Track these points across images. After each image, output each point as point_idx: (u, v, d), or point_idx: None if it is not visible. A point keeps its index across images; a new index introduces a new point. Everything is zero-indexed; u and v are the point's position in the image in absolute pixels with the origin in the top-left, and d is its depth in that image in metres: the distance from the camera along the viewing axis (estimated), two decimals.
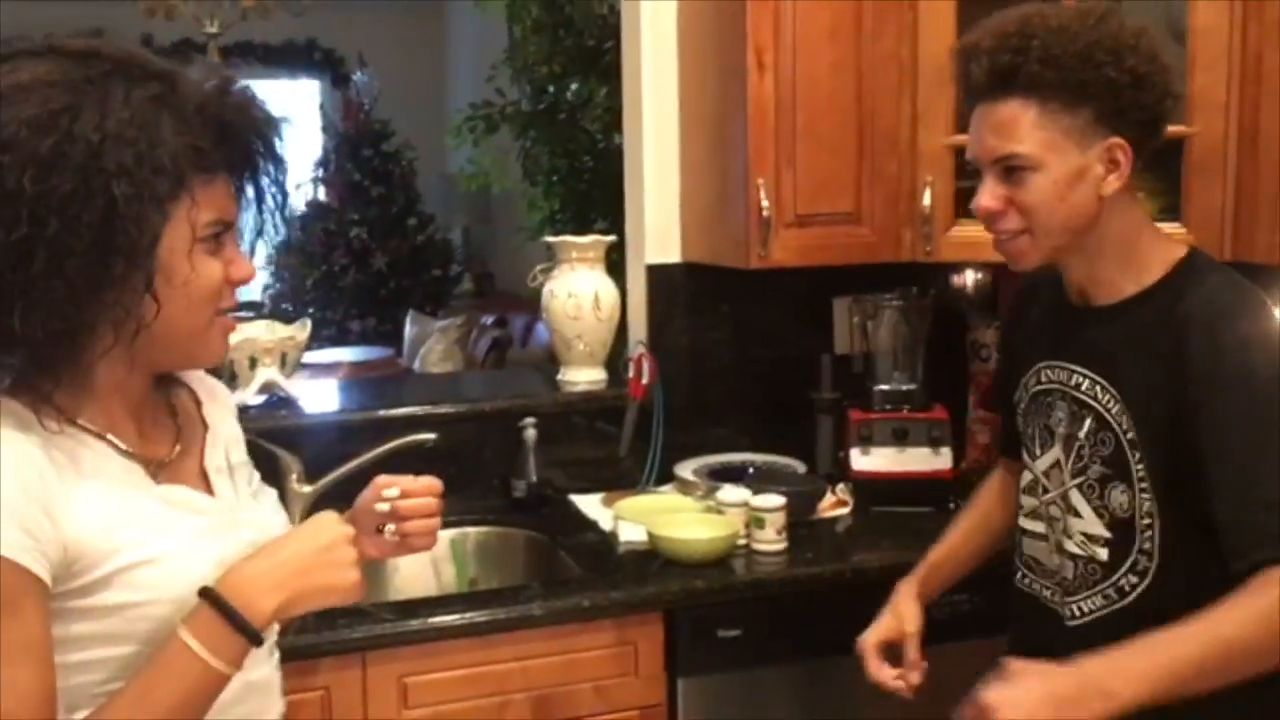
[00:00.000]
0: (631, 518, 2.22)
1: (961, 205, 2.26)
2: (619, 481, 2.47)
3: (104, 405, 1.11)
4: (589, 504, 2.38)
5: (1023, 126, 1.40)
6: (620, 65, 2.72)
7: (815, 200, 2.28)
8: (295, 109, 8.40)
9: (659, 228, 2.59)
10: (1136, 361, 1.44)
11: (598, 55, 4.23)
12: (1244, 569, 1.29)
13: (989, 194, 1.44)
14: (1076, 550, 1.52)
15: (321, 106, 8.07)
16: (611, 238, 2.64)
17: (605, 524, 2.27)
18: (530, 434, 2.40)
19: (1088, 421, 1.49)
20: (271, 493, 1.31)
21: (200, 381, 1.29)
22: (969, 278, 2.57)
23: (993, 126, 1.43)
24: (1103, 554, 1.49)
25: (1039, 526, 1.60)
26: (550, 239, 2.69)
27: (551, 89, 4.50)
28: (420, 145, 7.51)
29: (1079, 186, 1.40)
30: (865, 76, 2.27)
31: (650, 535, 2.11)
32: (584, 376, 2.61)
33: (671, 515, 2.19)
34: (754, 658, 2.03)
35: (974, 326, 2.54)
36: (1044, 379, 1.56)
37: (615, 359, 2.63)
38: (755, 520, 2.10)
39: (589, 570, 2.08)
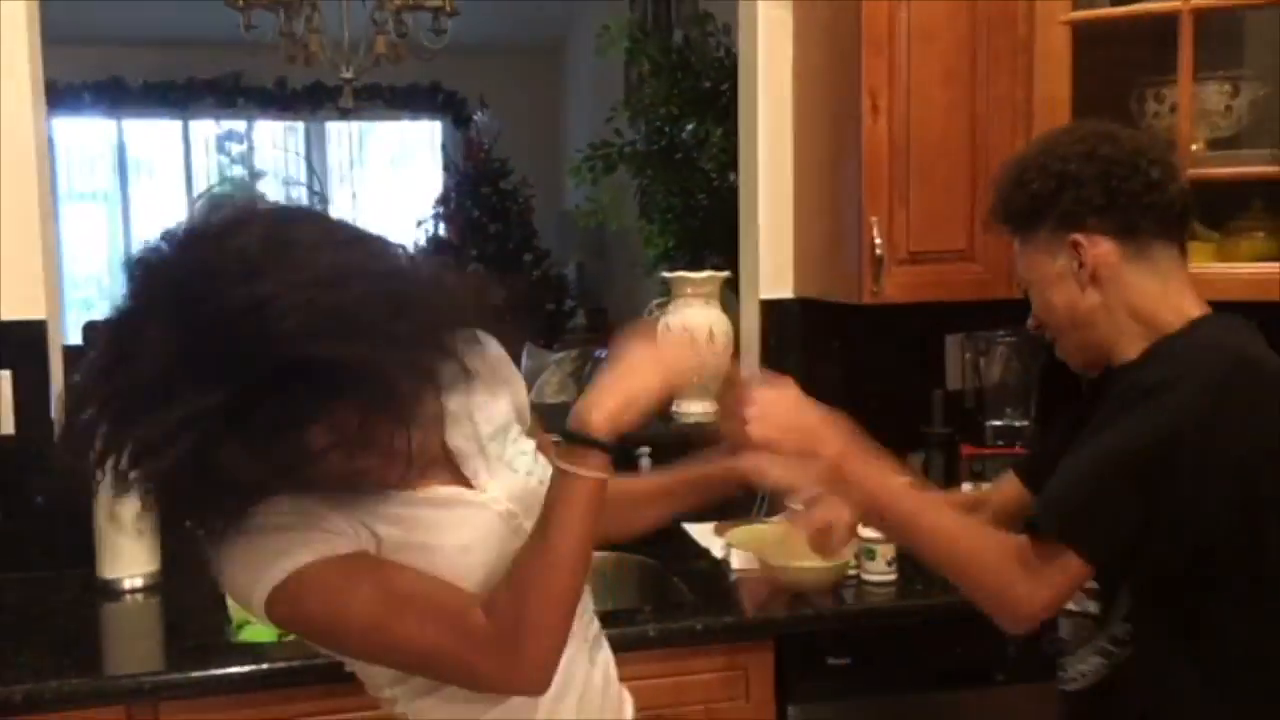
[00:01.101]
0: (743, 546, 2.27)
1: None
2: (730, 511, 2.51)
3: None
4: (701, 532, 2.44)
5: (1017, 256, 1.57)
6: (737, 107, 2.80)
7: (928, 238, 2.32)
8: (418, 148, 8.75)
9: (772, 263, 2.66)
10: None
11: (714, 97, 4.31)
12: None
13: (1031, 317, 1.60)
14: (1073, 606, 1.58)
15: (443, 146, 8.33)
16: (725, 274, 2.71)
17: (717, 551, 2.33)
18: (645, 463, 2.47)
19: None
20: (527, 448, 1.37)
21: None
22: None
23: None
24: (1092, 606, 1.55)
25: None
26: (666, 274, 2.77)
27: (669, 129, 4.59)
28: (537, 183, 7.70)
29: (1060, 287, 1.51)
30: (979, 118, 2.31)
31: (762, 563, 2.15)
32: (697, 408, 2.68)
33: (783, 545, 2.23)
34: (863, 687, 2.06)
35: None
36: None
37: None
38: (866, 551, 2.13)
39: (701, 596, 2.14)
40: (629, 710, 1.48)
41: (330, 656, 1.82)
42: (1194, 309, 1.49)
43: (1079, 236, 1.47)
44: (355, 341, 1.03)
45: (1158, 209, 1.46)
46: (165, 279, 1.06)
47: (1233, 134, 2.33)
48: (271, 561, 1.16)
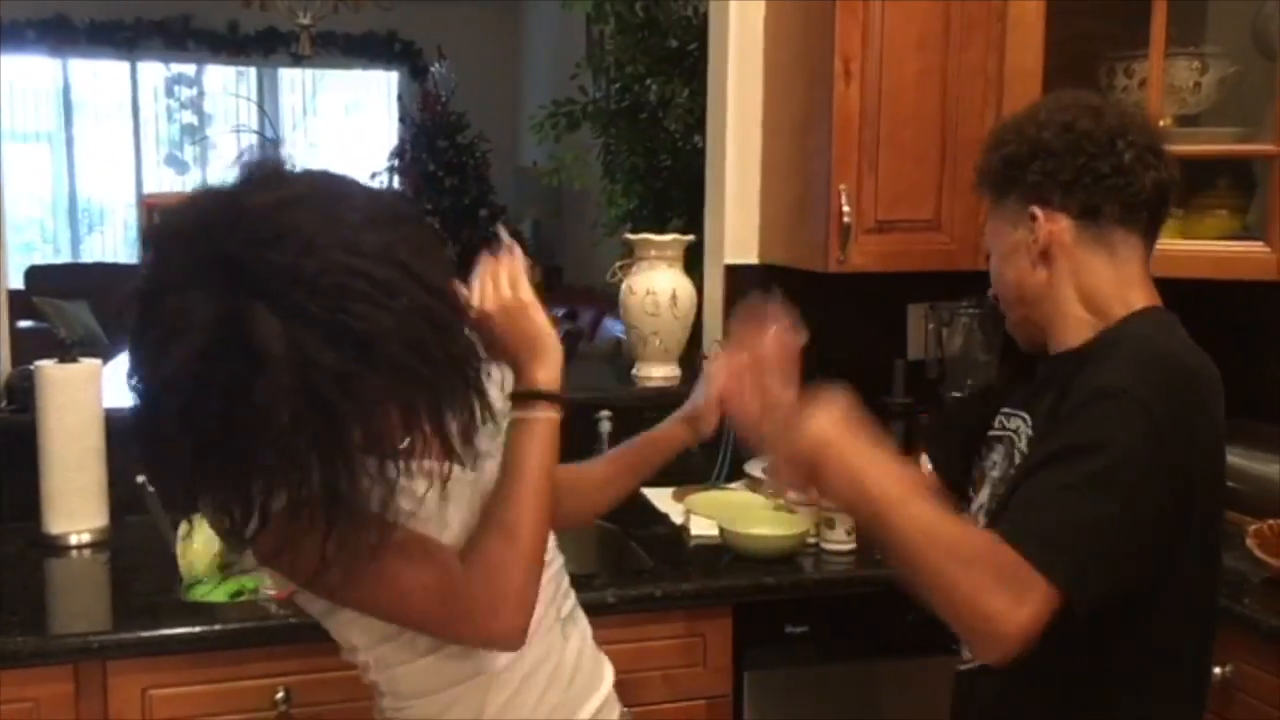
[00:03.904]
0: (703, 512, 2.27)
1: None
2: (690, 477, 2.50)
3: None
4: (660, 497, 2.43)
5: (987, 222, 1.54)
6: (704, 67, 2.76)
7: (896, 207, 2.31)
8: (373, 99, 8.58)
9: (738, 229, 2.63)
10: (1045, 408, 1.43)
11: (681, 56, 4.27)
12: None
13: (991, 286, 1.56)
14: None
15: (399, 97, 8.20)
16: (690, 237, 2.69)
17: (676, 518, 2.32)
18: (605, 426, 2.45)
19: (1002, 458, 1.51)
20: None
21: None
22: None
23: None
24: None
25: None
26: (631, 236, 2.74)
27: (634, 88, 4.54)
28: (494, 138, 7.61)
29: (1014, 258, 1.47)
30: (951, 86, 2.30)
31: (721, 530, 2.15)
32: (659, 372, 2.66)
33: (742, 511, 2.23)
34: (820, 655, 2.06)
35: None
36: (996, 425, 1.56)
37: (689, 356, 2.68)
38: (825, 520, 2.13)
39: (660, 562, 2.12)
40: (608, 678, 1.47)
41: (283, 618, 1.82)
42: (1139, 301, 1.43)
43: (1038, 210, 1.43)
44: (414, 317, 1.02)
45: (1123, 194, 1.41)
46: (208, 249, 1.01)
47: (1200, 111, 2.34)
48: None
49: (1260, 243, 2.15)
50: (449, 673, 1.29)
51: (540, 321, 1.29)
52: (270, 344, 0.97)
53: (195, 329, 0.98)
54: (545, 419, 1.27)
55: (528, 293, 1.29)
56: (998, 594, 1.22)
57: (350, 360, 0.99)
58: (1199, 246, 2.23)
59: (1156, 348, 1.38)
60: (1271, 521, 2.04)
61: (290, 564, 1.18)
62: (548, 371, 1.28)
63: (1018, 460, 1.46)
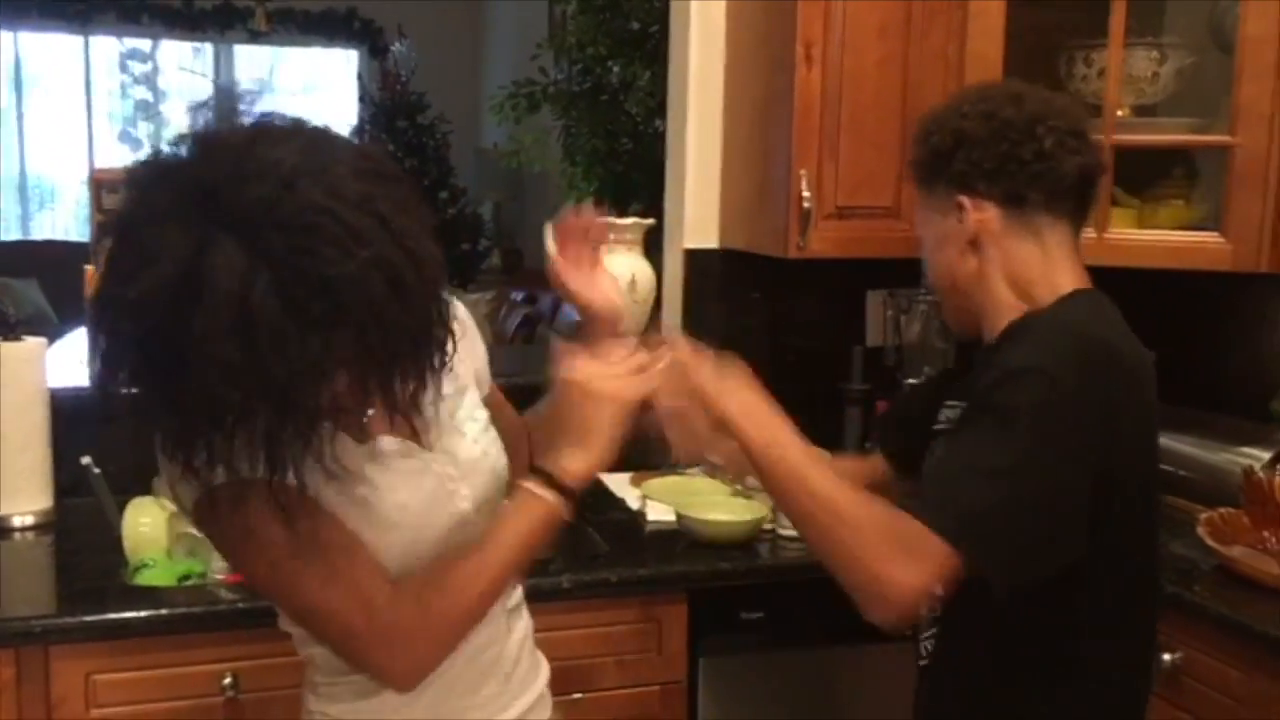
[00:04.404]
0: (659, 498, 2.25)
1: None
2: (647, 462, 2.49)
3: None
4: (617, 482, 2.42)
5: (917, 211, 1.56)
6: (666, 50, 2.74)
7: (856, 193, 2.30)
8: (332, 77, 8.46)
9: (698, 213, 2.62)
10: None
11: (643, 39, 4.24)
12: None
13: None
14: None
15: (359, 76, 8.10)
16: (650, 221, 2.67)
17: (633, 503, 2.31)
18: None
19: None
20: (480, 416, 1.35)
21: None
22: None
23: None
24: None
25: None
26: None
27: (595, 70, 4.51)
28: (455, 119, 7.54)
29: (945, 248, 1.48)
30: (912, 73, 2.29)
31: (678, 516, 2.14)
32: None
33: (699, 497, 2.22)
34: (775, 641, 2.06)
35: None
36: (941, 419, 1.56)
37: (648, 341, 2.66)
38: None
39: (616, 547, 2.11)
40: (543, 677, 1.45)
41: (231, 603, 1.79)
42: (1068, 286, 1.44)
43: (965, 199, 1.44)
44: (375, 271, 1.00)
45: (1046, 180, 1.41)
46: (190, 181, 1.00)
47: (1158, 101, 2.35)
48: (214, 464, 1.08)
49: (1215, 233, 2.17)
50: None
51: (607, 419, 1.25)
52: (222, 278, 0.95)
53: (167, 259, 0.96)
54: (551, 506, 1.23)
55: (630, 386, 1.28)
56: (887, 555, 1.24)
57: (303, 307, 0.97)
58: (1155, 236, 2.25)
59: (1075, 328, 1.39)
60: (1223, 510, 2.06)
61: (220, 534, 1.16)
62: (580, 466, 1.24)
63: None
